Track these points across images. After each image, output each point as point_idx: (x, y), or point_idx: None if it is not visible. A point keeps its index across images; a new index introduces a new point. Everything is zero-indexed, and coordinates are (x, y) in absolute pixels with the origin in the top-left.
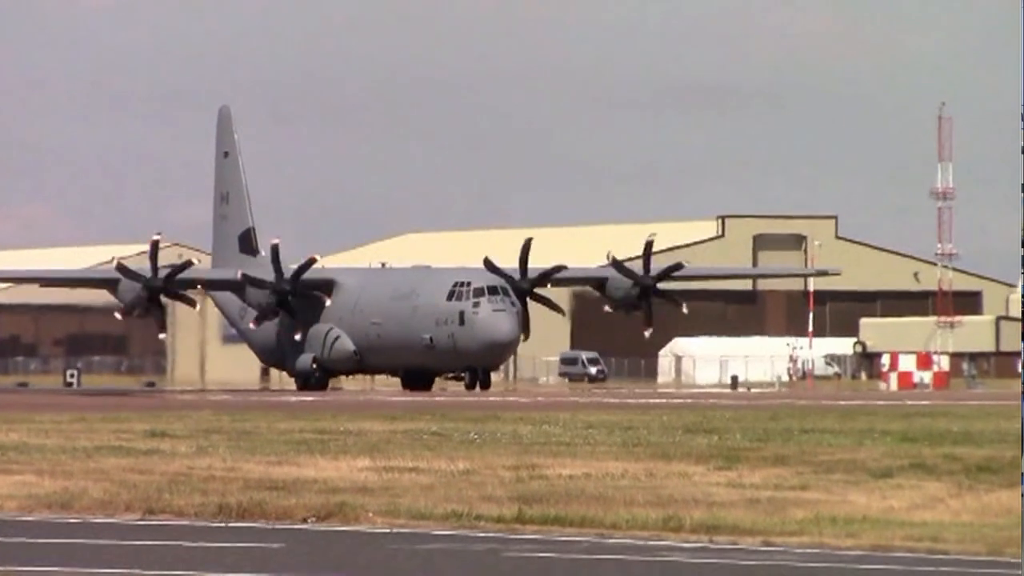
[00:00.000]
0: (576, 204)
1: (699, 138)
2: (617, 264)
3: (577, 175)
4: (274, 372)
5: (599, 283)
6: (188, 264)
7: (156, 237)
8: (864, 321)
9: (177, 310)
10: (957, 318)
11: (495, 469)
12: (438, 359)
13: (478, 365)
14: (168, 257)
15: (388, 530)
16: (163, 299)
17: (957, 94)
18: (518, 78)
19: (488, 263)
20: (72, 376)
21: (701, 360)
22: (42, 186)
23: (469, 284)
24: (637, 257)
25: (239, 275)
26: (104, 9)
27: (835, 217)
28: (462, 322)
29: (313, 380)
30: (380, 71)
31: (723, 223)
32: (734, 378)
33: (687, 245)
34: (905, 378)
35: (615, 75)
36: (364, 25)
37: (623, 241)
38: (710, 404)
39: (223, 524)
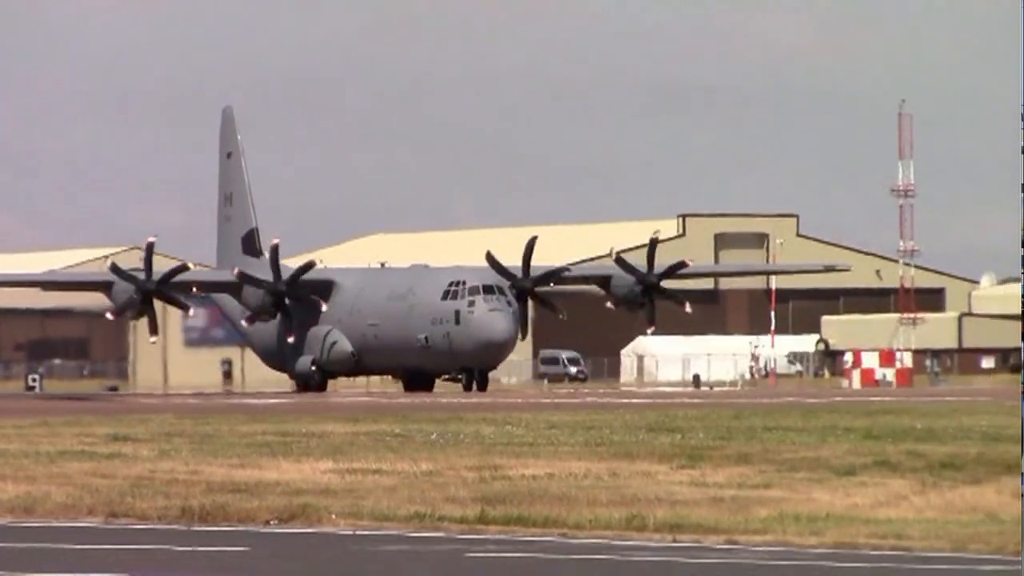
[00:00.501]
0: (535, 204)
1: (659, 137)
2: (621, 261)
3: (537, 175)
4: (236, 374)
5: (603, 281)
6: (183, 267)
7: (151, 239)
8: (826, 319)
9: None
10: (920, 315)
11: (458, 470)
12: (434, 360)
13: (474, 365)
14: (131, 260)
15: (351, 532)
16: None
17: (917, 91)
18: (482, 80)
19: (491, 259)
20: (34, 380)
21: (663, 359)
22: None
23: (464, 283)
24: (601, 256)
25: (235, 275)
26: (104, 9)
27: (796, 215)
28: (457, 321)
29: (312, 382)
30: (376, 73)
31: (684, 222)
32: (696, 377)
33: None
34: (868, 375)
35: (576, 75)
36: (365, 27)
37: (584, 240)
38: (673, 403)
39: (186, 527)
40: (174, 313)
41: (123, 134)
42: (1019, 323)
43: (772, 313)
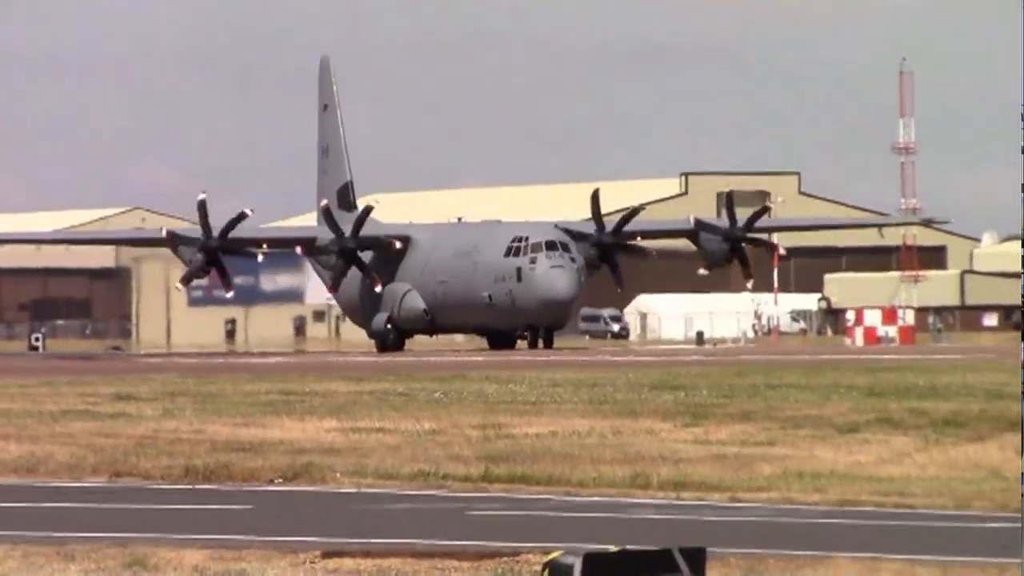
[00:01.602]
0: (537, 162)
1: (661, 96)
2: (701, 223)
3: (539, 133)
4: (239, 334)
5: (691, 235)
6: (242, 216)
7: (202, 196)
8: (829, 277)
9: (142, 272)
10: (921, 273)
11: (461, 428)
12: (498, 317)
13: (538, 323)
14: (130, 221)
15: (355, 490)
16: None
17: (917, 49)
18: (489, 39)
19: (595, 208)
20: (37, 340)
21: (666, 317)
22: None
23: (527, 239)
24: (611, 214)
25: (313, 231)
26: None
27: (798, 173)
28: (519, 279)
29: (388, 341)
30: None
31: (686, 180)
32: (700, 334)
33: (650, 203)
34: (870, 333)
35: (577, 34)
36: None
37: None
38: (676, 361)
39: (190, 486)
40: (178, 273)
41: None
42: (1020, 280)
43: (775, 271)
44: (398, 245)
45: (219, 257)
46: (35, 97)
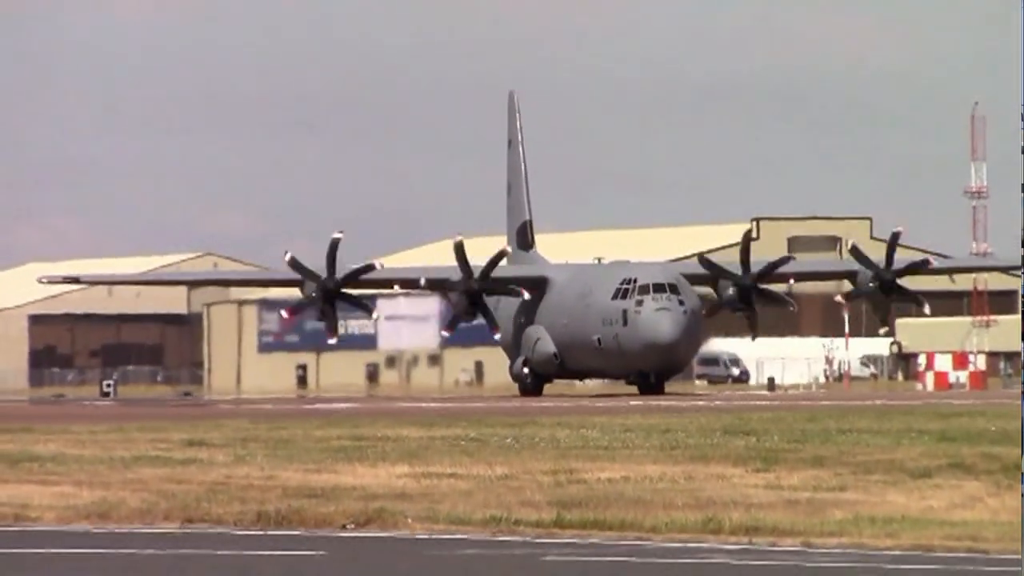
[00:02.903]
0: (604, 208)
1: (730, 140)
2: (857, 252)
3: (606, 179)
4: (311, 379)
5: (850, 275)
6: (370, 267)
7: (337, 236)
8: (900, 321)
9: (213, 318)
10: (992, 317)
11: (533, 474)
12: (606, 361)
13: (644, 368)
14: (201, 267)
15: (427, 536)
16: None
17: (990, 93)
18: (549, 82)
19: (704, 259)
20: (108, 386)
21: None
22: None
23: (635, 281)
24: (679, 259)
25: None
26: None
27: (869, 218)
28: (625, 322)
29: (526, 385)
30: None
31: (757, 225)
32: (771, 380)
33: (720, 248)
34: (941, 378)
35: (644, 77)
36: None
37: (660, 245)
38: (747, 406)
39: (262, 532)
40: (250, 318)
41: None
42: None
43: (846, 316)
44: (526, 293)
45: (334, 301)
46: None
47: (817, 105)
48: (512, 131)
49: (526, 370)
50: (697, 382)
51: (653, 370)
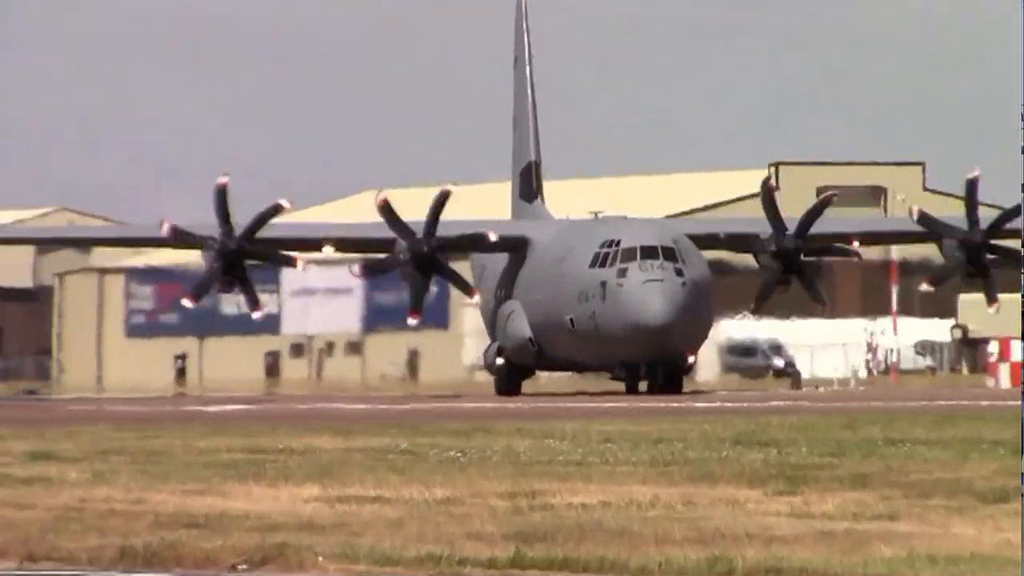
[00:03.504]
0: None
1: (746, 74)
2: (927, 218)
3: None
4: (193, 372)
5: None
6: (276, 209)
7: (223, 180)
8: (964, 298)
9: (66, 292)
10: None
11: (484, 497)
12: (582, 349)
13: (627, 358)
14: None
15: None
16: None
17: None
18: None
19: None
20: None
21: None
22: None
23: (618, 243)
24: (685, 213)
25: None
26: None
27: (922, 164)
28: (604, 297)
29: (504, 379)
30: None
31: (777, 171)
32: (796, 373)
33: (730, 201)
34: (1019, 371)
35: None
36: None
37: (660, 194)
38: (766, 408)
39: (126, 574)
40: (114, 292)
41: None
42: None
43: (894, 290)
44: (498, 250)
45: (243, 264)
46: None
47: (853, 29)
48: (519, 44)
49: (499, 360)
50: (725, 377)
51: (642, 360)
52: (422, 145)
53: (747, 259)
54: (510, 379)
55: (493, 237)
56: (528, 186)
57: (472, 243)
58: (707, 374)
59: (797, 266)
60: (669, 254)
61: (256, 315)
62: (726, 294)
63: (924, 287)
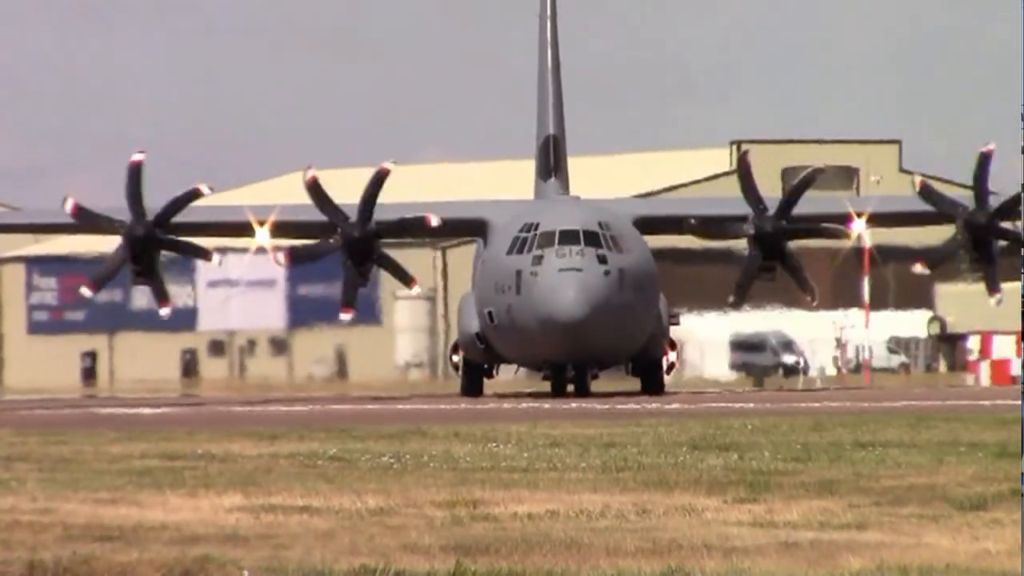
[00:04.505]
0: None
1: (701, 42)
2: (928, 190)
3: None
4: (103, 372)
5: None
6: (194, 194)
7: (138, 156)
8: (942, 289)
9: None
10: None
11: (421, 507)
12: (506, 346)
13: (549, 356)
14: None
15: None
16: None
17: None
18: None
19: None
20: None
21: (711, 346)
22: None
23: (536, 227)
24: (641, 196)
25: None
26: None
27: (898, 142)
28: (519, 289)
29: (464, 378)
30: None
31: (738, 151)
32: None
33: (688, 183)
34: (1001, 369)
35: None
36: None
37: (616, 176)
38: (726, 409)
39: None
40: (14, 285)
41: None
42: None
43: (865, 281)
44: (444, 235)
45: (153, 253)
46: None
47: None
48: (542, 6)
49: (455, 358)
50: (729, 375)
51: (562, 360)
52: (443, 120)
53: (715, 245)
54: (469, 378)
55: (435, 221)
56: (546, 162)
57: (411, 228)
58: (716, 371)
59: (781, 251)
60: (592, 239)
61: (163, 311)
62: (706, 284)
63: (918, 269)
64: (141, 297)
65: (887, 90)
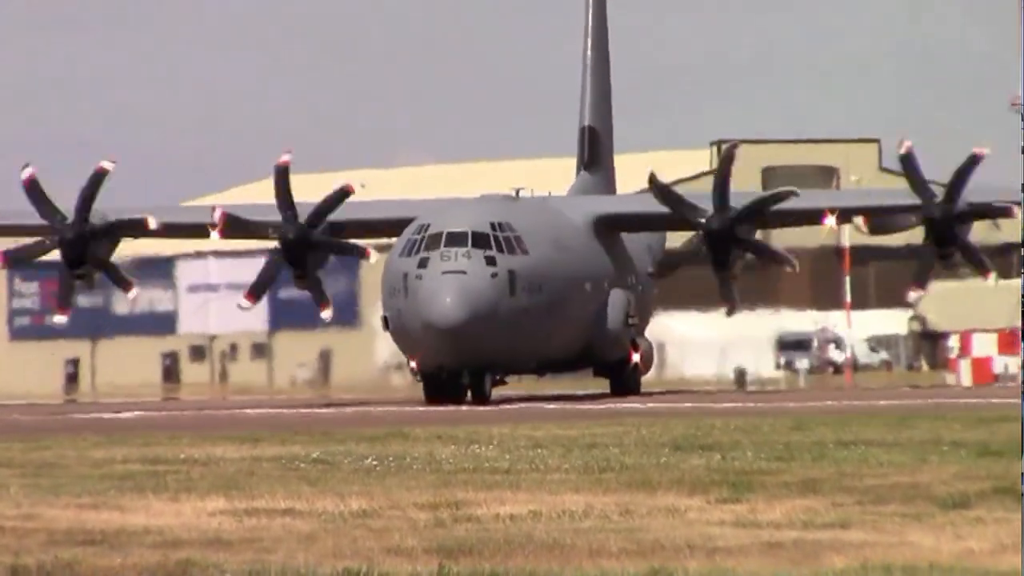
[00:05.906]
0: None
1: (684, 45)
2: (910, 166)
3: (532, 99)
4: (85, 377)
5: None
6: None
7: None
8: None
9: None
10: None
11: (404, 509)
12: (400, 349)
13: (444, 362)
14: None
15: None
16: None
17: None
18: None
19: (657, 185)
20: None
21: (692, 346)
22: None
23: (427, 228)
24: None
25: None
26: None
27: (877, 141)
28: (407, 292)
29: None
30: None
31: (718, 151)
32: (741, 372)
33: (672, 183)
34: (982, 367)
35: None
36: None
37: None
38: (708, 408)
39: None
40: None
41: None
42: None
43: (846, 280)
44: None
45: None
46: None
47: None
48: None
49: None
50: (774, 373)
51: (452, 365)
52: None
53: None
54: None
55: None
56: (581, 154)
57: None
58: (761, 371)
59: (728, 249)
60: (482, 241)
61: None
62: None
63: (912, 295)
64: (122, 302)
65: (866, 88)
